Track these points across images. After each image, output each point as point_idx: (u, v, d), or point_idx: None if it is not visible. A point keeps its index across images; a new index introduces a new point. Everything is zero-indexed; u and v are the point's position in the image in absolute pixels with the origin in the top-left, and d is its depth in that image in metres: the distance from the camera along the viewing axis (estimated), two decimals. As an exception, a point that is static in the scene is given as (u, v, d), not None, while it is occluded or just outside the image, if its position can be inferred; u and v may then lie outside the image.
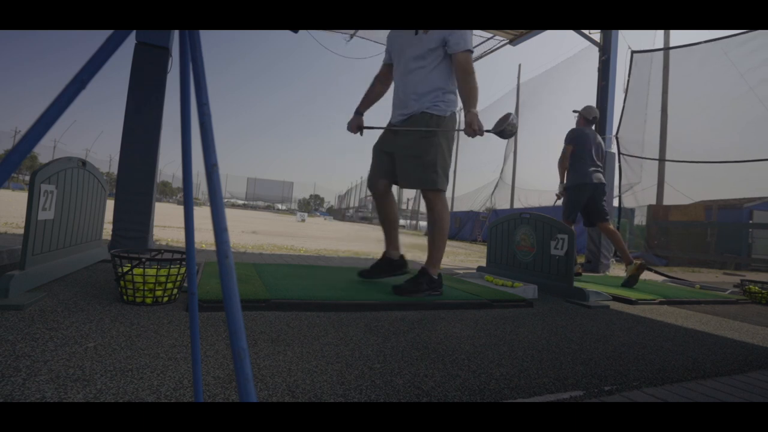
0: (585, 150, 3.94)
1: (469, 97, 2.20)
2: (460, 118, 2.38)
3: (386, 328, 1.65)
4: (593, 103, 5.22)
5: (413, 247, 8.04)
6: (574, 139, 4.00)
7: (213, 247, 3.60)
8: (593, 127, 4.17)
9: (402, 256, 2.59)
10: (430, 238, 2.40)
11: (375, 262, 2.61)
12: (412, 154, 2.29)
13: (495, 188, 17.71)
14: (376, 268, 2.57)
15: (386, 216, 2.57)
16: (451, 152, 2.37)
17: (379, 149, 2.50)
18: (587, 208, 3.97)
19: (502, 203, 16.71)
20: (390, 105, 2.50)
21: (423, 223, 26.68)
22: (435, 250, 2.35)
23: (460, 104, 2.35)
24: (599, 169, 3.98)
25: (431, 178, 2.26)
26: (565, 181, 4.05)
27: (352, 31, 5.78)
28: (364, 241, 8.53)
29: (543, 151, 15.76)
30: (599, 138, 4.10)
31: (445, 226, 2.36)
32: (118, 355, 1.12)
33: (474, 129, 2.15)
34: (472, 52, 2.24)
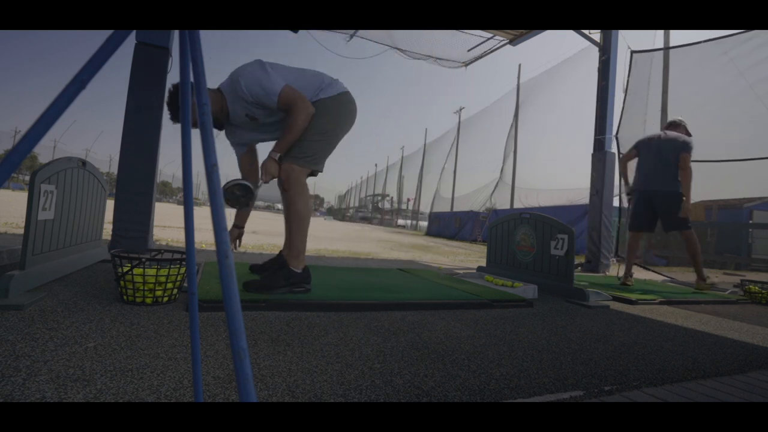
0: (641, 156, 3.91)
1: (285, 132, 1.94)
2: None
3: (386, 328, 1.65)
4: (593, 102, 5.23)
5: (413, 248, 8.04)
6: (635, 145, 4.01)
7: (213, 247, 3.60)
8: (678, 130, 3.89)
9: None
10: (286, 226, 2.05)
11: (270, 259, 2.44)
12: None
13: (495, 188, 17.73)
14: (268, 265, 2.40)
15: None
16: (327, 134, 2.05)
17: None
18: (658, 214, 3.82)
19: (502, 203, 16.71)
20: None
21: (423, 223, 26.66)
22: (293, 238, 2.01)
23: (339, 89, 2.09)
24: (654, 174, 3.75)
25: (290, 151, 1.99)
26: (630, 183, 4.03)
27: (352, 31, 5.78)
28: (364, 241, 8.53)
29: (543, 151, 15.79)
30: (674, 141, 3.71)
31: (302, 209, 2.00)
32: (118, 355, 1.12)
33: (266, 174, 1.91)
34: (290, 87, 1.91)
